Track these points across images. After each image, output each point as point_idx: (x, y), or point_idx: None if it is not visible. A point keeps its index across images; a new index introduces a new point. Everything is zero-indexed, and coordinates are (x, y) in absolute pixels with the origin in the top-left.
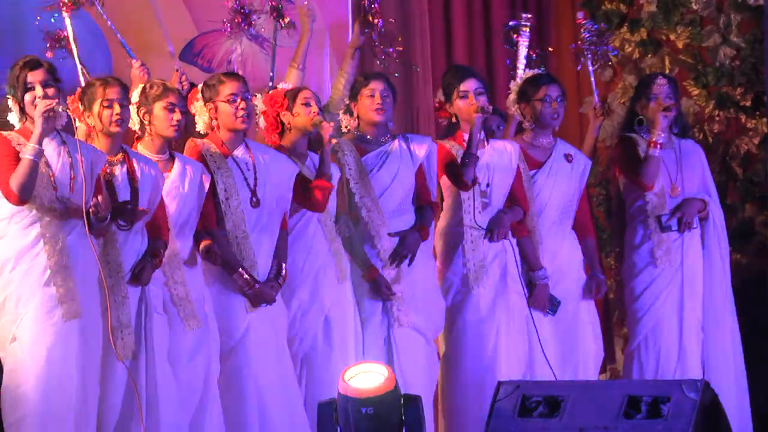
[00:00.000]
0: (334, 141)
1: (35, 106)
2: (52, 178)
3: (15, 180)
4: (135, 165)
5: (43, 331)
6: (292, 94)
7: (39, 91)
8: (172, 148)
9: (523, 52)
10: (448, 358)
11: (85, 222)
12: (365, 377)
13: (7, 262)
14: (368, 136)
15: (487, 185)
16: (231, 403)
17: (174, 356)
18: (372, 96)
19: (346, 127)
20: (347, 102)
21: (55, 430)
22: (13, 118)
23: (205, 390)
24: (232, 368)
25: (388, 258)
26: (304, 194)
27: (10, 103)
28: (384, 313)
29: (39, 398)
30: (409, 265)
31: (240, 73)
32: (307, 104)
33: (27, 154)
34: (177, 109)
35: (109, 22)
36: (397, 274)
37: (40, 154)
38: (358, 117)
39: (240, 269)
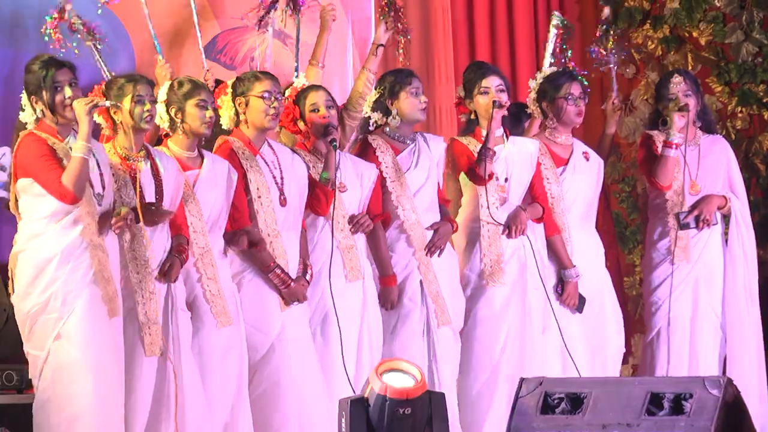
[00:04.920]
0: (336, 145)
1: (67, 106)
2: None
3: (69, 179)
4: (157, 162)
5: (94, 330)
6: (302, 101)
7: (68, 91)
8: (201, 145)
9: (549, 48)
10: (462, 352)
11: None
12: (403, 378)
13: (52, 260)
14: (401, 134)
15: (506, 180)
16: (271, 401)
17: (207, 354)
18: (416, 95)
19: (374, 122)
20: (384, 100)
21: (108, 428)
22: (26, 116)
23: (238, 389)
24: (271, 367)
25: (425, 249)
26: (310, 196)
27: (24, 101)
28: (423, 311)
29: (94, 397)
30: (439, 256)
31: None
32: (315, 110)
33: (78, 152)
34: (209, 106)
35: (149, 20)
36: (433, 272)
37: (89, 150)
38: (398, 115)
39: (276, 269)
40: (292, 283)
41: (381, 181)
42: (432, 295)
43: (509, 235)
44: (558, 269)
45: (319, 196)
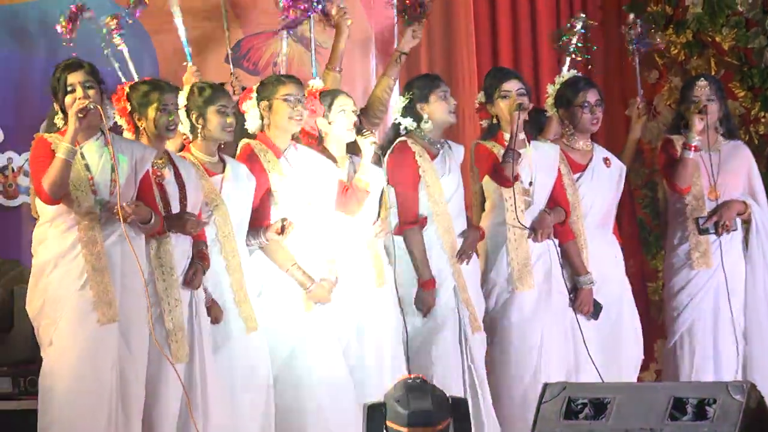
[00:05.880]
0: (379, 146)
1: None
2: (91, 181)
3: (46, 178)
4: (179, 167)
5: (76, 336)
6: (329, 102)
7: (79, 92)
8: (221, 150)
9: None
10: (491, 360)
11: (122, 225)
12: None
13: (46, 265)
14: (434, 139)
15: (530, 183)
16: (291, 403)
17: (238, 358)
18: (445, 99)
19: (405, 128)
20: (413, 105)
21: None
22: (59, 120)
23: (267, 393)
24: (292, 369)
25: (456, 255)
26: (340, 198)
27: (54, 105)
28: (457, 318)
29: (68, 403)
30: (467, 263)
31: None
32: (343, 111)
33: (59, 153)
34: (229, 112)
35: (181, 26)
36: (464, 279)
37: (72, 153)
38: (429, 120)
39: (297, 268)
40: (313, 284)
41: (419, 185)
42: (465, 301)
43: (535, 239)
44: (572, 276)
45: (356, 197)
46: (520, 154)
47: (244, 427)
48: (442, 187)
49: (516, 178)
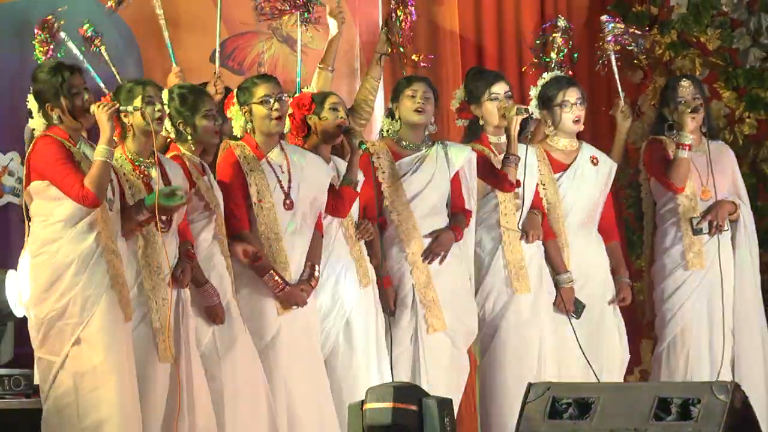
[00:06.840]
0: (367, 147)
1: (86, 111)
2: None
3: (92, 182)
4: (166, 169)
5: (113, 334)
6: (321, 98)
7: (85, 96)
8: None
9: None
10: (490, 362)
11: (156, 224)
12: None
13: (69, 265)
14: (407, 140)
15: (520, 186)
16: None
17: (244, 359)
18: (413, 97)
19: (387, 130)
20: (389, 105)
21: (135, 428)
22: (35, 123)
23: (267, 391)
24: (265, 367)
25: (422, 255)
26: (332, 198)
27: (34, 108)
28: (413, 316)
29: (118, 400)
30: (440, 263)
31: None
32: (334, 109)
33: (100, 156)
34: (215, 114)
35: (166, 33)
36: (428, 278)
37: (112, 155)
38: (399, 119)
39: (271, 271)
40: (286, 288)
41: (378, 185)
42: (425, 301)
43: (527, 240)
44: (552, 275)
45: (344, 198)
46: (519, 158)
47: (250, 429)
48: (402, 185)
49: (518, 182)
